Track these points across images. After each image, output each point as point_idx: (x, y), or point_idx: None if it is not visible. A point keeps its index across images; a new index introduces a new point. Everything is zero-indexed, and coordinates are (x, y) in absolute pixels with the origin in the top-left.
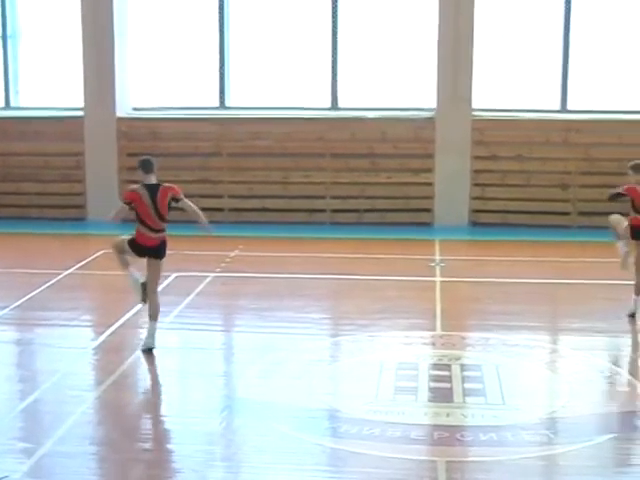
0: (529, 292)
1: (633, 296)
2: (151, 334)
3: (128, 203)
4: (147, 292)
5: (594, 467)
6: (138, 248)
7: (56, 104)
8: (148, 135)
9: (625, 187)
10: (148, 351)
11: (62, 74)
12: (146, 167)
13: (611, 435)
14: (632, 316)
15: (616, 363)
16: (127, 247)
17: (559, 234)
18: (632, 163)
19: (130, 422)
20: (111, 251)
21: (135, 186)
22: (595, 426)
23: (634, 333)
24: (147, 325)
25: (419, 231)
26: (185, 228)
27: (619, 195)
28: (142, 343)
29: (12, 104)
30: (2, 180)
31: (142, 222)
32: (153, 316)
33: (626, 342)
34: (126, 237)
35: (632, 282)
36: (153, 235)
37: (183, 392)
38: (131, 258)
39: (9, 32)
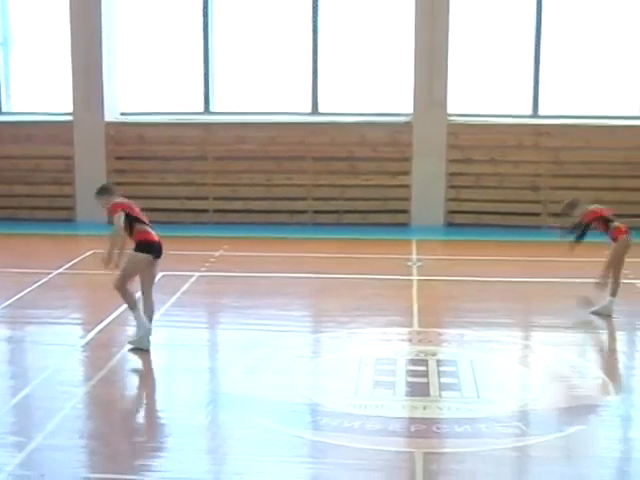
0: (502, 290)
1: (608, 297)
2: (147, 335)
3: (123, 210)
4: (146, 295)
5: (564, 457)
6: (152, 248)
7: (46, 109)
8: (135, 139)
9: (587, 217)
10: (138, 350)
11: (52, 80)
12: (112, 190)
13: (580, 426)
14: (608, 315)
15: (585, 358)
16: (141, 257)
17: (530, 234)
18: (567, 202)
19: (118, 416)
20: (115, 286)
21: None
22: (565, 418)
23: (601, 329)
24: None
25: (397, 231)
26: (171, 229)
27: (586, 227)
28: (133, 340)
29: (4, 109)
30: None
31: (143, 222)
32: (150, 317)
33: (594, 338)
34: (130, 260)
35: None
36: (154, 231)
37: (170, 387)
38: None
39: (1, 40)
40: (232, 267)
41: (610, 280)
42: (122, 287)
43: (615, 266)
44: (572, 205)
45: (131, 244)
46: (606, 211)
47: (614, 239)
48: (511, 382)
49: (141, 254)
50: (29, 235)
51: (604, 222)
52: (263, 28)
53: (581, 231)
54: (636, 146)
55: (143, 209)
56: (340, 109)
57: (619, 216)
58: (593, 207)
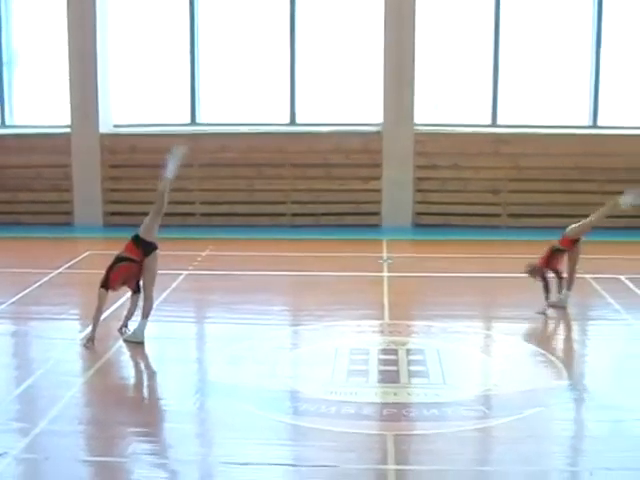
0: (465, 285)
1: (564, 290)
2: (142, 330)
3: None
4: (146, 293)
5: (523, 437)
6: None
7: (46, 122)
8: (128, 149)
9: (539, 273)
10: (133, 342)
11: (51, 96)
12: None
13: (538, 408)
14: (560, 307)
15: (541, 346)
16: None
17: (491, 233)
18: (527, 272)
19: (114, 404)
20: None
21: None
22: (524, 401)
23: (556, 319)
24: (139, 321)
25: (369, 232)
26: (161, 231)
27: (545, 277)
28: (131, 335)
29: (8, 122)
30: None
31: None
32: (147, 314)
33: (550, 327)
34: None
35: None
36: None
37: (161, 377)
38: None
39: (5, 60)
40: (218, 266)
41: (566, 276)
42: (151, 294)
43: (571, 264)
44: (531, 272)
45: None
46: (543, 259)
47: (570, 250)
48: (474, 369)
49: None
50: (31, 238)
51: (555, 257)
52: (244, 47)
53: (545, 282)
54: (585, 153)
55: (136, 213)
56: (316, 120)
57: (571, 217)
58: (536, 262)
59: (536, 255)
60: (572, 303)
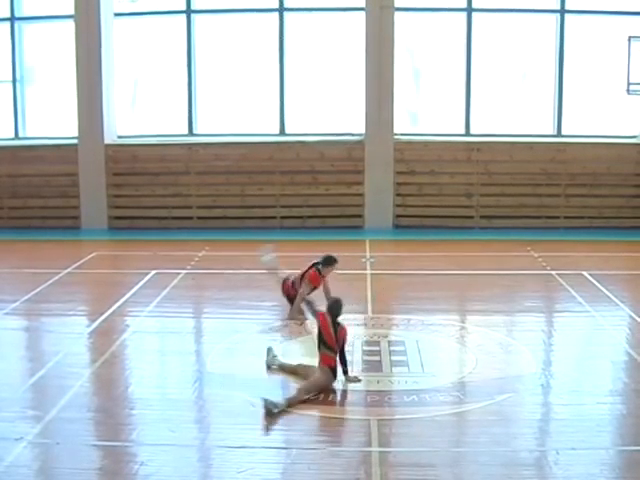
0: (442, 281)
1: None
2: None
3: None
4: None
5: (496, 420)
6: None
7: (55, 134)
8: (130, 158)
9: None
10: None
11: (60, 110)
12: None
13: (509, 394)
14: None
15: (511, 336)
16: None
17: (465, 234)
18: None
19: (119, 393)
20: None
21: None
22: (496, 387)
23: (524, 312)
24: None
25: (352, 233)
26: (161, 234)
27: (314, 311)
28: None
29: (20, 135)
30: (12, 196)
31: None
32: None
33: (518, 319)
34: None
35: (524, 272)
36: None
37: (162, 367)
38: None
39: (18, 77)
40: (213, 265)
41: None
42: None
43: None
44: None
45: None
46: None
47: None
48: (450, 358)
49: None
50: (41, 241)
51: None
52: (238, 64)
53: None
54: (550, 159)
55: (137, 217)
56: (303, 130)
57: (538, 217)
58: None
59: (504, 253)
60: (539, 297)
